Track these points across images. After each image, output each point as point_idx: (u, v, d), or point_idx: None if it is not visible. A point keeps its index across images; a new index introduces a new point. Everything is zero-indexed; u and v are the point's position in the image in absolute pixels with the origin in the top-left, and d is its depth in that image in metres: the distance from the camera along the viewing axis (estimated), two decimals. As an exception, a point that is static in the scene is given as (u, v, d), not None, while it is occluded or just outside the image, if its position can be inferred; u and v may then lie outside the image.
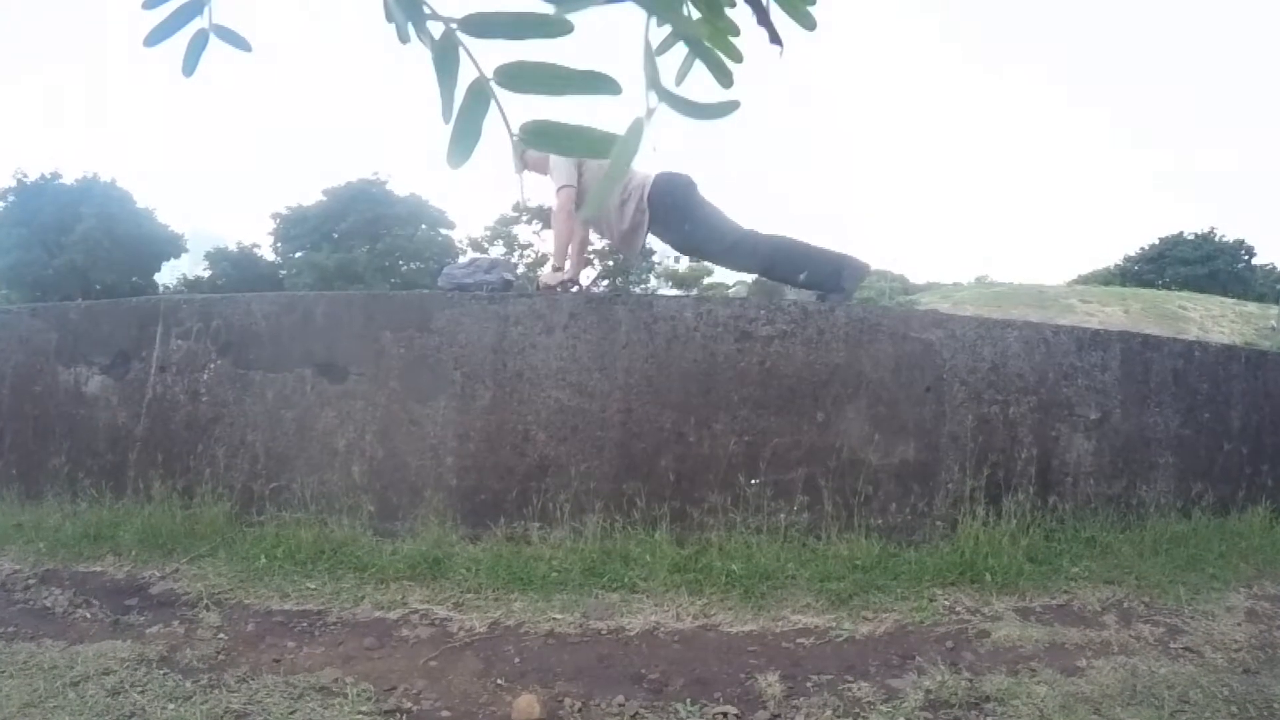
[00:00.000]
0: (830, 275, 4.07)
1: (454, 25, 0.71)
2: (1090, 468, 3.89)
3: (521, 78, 0.71)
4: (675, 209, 4.10)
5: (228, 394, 3.81)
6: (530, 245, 41.29)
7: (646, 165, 4.23)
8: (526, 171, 4.20)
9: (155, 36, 0.97)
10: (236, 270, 37.94)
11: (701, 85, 0.78)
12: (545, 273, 4.42)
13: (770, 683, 2.37)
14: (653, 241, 4.36)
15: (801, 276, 4.13)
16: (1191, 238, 45.31)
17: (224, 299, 3.99)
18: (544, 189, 4.16)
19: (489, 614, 2.83)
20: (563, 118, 0.71)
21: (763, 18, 0.84)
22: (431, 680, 2.39)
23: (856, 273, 4.16)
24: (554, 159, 4.04)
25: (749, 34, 0.82)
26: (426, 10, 0.73)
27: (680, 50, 0.80)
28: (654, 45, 0.73)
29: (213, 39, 1.01)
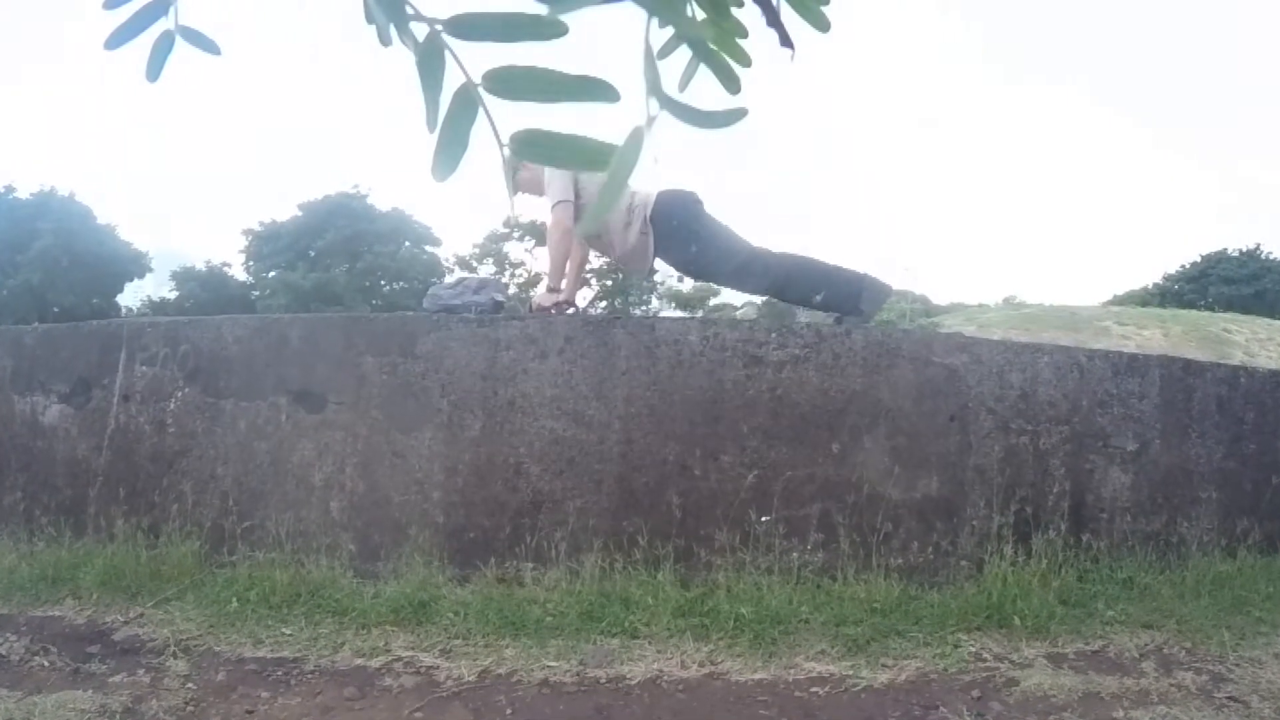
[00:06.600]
0: (849, 297, 4.06)
1: (439, 27, 0.71)
2: (1127, 503, 3.86)
3: (512, 83, 0.71)
4: (680, 229, 4.07)
5: (196, 424, 3.80)
6: (522, 264, 41.45)
7: (648, 183, 4.23)
8: (520, 193, 4.15)
9: (117, 39, 0.98)
10: (205, 291, 38.03)
11: (707, 91, 0.78)
12: (539, 293, 4.43)
13: (783, 738, 2.35)
14: (657, 263, 4.33)
15: (818, 298, 4.11)
16: (1236, 255, 45.37)
17: (192, 322, 4.00)
18: (538, 207, 4.15)
19: (479, 662, 2.80)
20: (556, 127, 0.71)
21: (772, 19, 0.84)
22: (414, 735, 2.37)
23: (878, 295, 4.15)
24: (548, 173, 4.01)
25: (758, 36, 0.82)
26: (410, 10, 0.73)
27: (684, 54, 0.80)
28: (655, 48, 0.74)
29: (179, 41, 1.01)
